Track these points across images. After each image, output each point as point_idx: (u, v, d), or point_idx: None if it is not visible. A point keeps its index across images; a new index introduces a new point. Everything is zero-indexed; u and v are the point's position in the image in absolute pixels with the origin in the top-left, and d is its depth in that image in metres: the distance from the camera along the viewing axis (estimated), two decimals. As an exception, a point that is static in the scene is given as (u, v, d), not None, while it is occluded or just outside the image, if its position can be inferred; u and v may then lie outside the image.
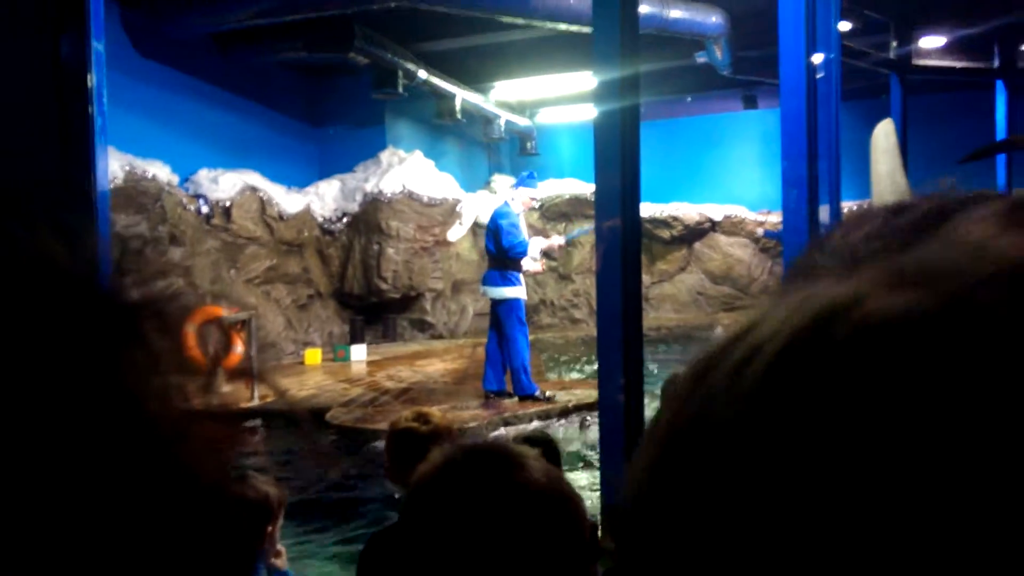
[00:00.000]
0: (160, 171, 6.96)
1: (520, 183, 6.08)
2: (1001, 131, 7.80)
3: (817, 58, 3.69)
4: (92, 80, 2.13)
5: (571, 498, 0.89)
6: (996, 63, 8.03)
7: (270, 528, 1.61)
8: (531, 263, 5.89)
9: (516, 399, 5.81)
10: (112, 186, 6.38)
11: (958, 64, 8.07)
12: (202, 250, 7.49)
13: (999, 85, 7.91)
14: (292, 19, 6.93)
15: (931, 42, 7.95)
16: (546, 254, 6.16)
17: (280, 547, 1.74)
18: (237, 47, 7.83)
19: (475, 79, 9.92)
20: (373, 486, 4.44)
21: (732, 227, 11.67)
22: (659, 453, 0.23)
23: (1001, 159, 7.68)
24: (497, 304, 5.83)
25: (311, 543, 3.87)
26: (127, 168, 6.58)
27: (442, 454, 0.87)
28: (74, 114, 2.12)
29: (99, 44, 2.14)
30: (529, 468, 0.83)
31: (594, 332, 2.84)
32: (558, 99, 11.01)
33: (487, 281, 5.92)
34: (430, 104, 9.79)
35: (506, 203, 6.01)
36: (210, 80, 8.04)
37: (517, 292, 5.78)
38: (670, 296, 11.99)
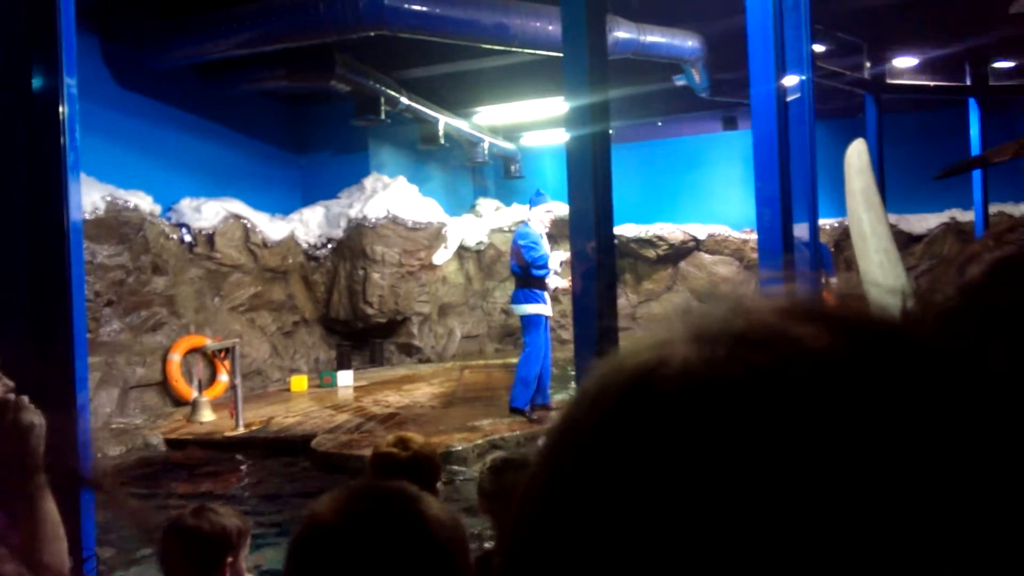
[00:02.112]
0: (142, 201, 6.95)
1: (532, 203, 6.18)
2: (975, 148, 7.93)
3: (789, 80, 3.76)
4: (64, 114, 2.14)
5: (464, 534, 0.89)
6: (968, 81, 8.19)
7: (230, 559, 1.60)
8: (557, 279, 6.01)
9: (552, 411, 5.90)
10: (94, 217, 6.36)
11: (931, 83, 8.22)
12: (185, 279, 7.46)
13: (971, 103, 8.07)
14: (273, 49, 6.99)
15: (904, 62, 8.11)
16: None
17: (250, 577, 1.72)
18: (218, 77, 7.88)
19: (458, 104, 10.01)
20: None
21: (716, 245, 11.76)
22: (521, 508, 0.28)
23: (976, 175, 7.81)
24: (522, 319, 6.14)
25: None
26: (108, 199, 6.57)
27: (336, 498, 0.86)
28: (47, 148, 2.12)
29: (71, 79, 2.15)
30: (429, 505, 0.84)
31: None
32: (541, 122, 11.12)
33: (513, 299, 6.27)
34: (413, 129, 9.85)
35: (526, 223, 6.17)
36: (191, 110, 8.07)
37: (539, 309, 5.96)
38: (657, 315, 12.03)
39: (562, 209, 11.42)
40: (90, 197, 6.33)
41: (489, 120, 11.01)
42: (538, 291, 5.93)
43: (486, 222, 11.28)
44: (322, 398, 7.40)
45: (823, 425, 0.23)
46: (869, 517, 0.22)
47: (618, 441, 0.24)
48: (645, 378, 0.25)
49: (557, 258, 5.94)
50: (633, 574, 0.23)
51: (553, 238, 11.49)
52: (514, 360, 9.76)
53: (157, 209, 7.19)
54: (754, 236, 10.86)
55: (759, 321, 0.26)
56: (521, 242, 6.01)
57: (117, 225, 6.60)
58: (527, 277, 5.97)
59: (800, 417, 0.23)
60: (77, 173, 2.15)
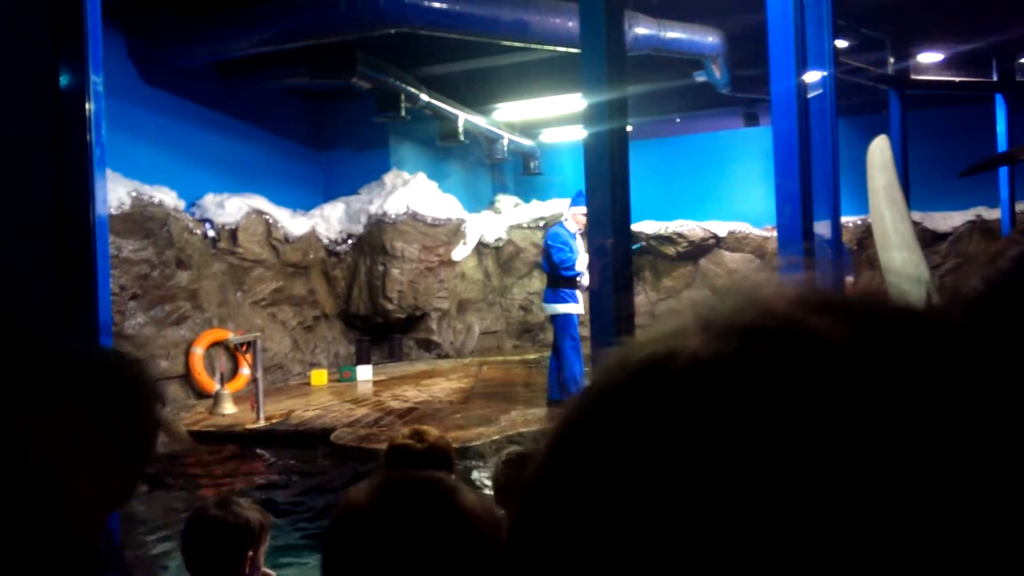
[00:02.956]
0: (167, 196, 7.05)
1: (574, 202, 6.22)
2: (1001, 145, 7.79)
3: (810, 76, 3.73)
4: (91, 111, 2.18)
5: (502, 523, 0.89)
6: (995, 77, 8.05)
7: (251, 552, 1.62)
8: (588, 278, 6.02)
9: None
10: (119, 212, 6.47)
11: (956, 79, 8.09)
12: (209, 273, 7.56)
13: (998, 99, 7.92)
14: (294, 46, 7.05)
15: (929, 57, 7.99)
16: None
17: (267, 571, 1.75)
18: (241, 74, 7.97)
19: (477, 101, 10.03)
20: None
21: (737, 243, 11.67)
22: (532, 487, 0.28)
23: (1003, 172, 7.67)
24: (551, 319, 6.22)
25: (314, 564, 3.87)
26: (134, 194, 6.68)
27: (371, 487, 0.86)
28: (73, 144, 2.17)
29: (97, 76, 2.19)
30: (465, 496, 0.84)
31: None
32: (561, 119, 11.10)
33: (544, 298, 6.38)
34: (433, 126, 9.89)
35: (561, 223, 6.20)
36: (215, 107, 8.17)
37: (569, 308, 6.01)
38: (669, 309, 11.96)
39: (560, 207, 11.42)
40: (116, 192, 6.43)
41: (508, 117, 11.01)
42: (567, 290, 5.97)
43: (505, 218, 11.29)
44: (341, 392, 7.47)
45: (834, 417, 0.22)
46: (884, 512, 0.21)
47: (625, 431, 0.24)
48: (654, 368, 0.25)
49: (584, 261, 5.95)
50: (636, 563, 0.23)
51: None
52: (532, 356, 9.79)
53: (181, 204, 7.29)
54: (775, 233, 10.75)
55: (772, 312, 0.26)
56: (550, 243, 6.10)
57: (142, 220, 6.70)
58: (556, 277, 6.02)
59: (813, 408, 0.22)
60: (103, 169, 2.19)
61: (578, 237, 6.03)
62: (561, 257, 5.95)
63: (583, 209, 6.03)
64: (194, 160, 7.92)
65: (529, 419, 5.98)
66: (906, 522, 0.21)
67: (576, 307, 5.97)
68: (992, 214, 10.01)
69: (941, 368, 0.23)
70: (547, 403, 6.40)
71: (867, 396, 0.23)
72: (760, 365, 0.24)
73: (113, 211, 6.34)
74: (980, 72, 8.04)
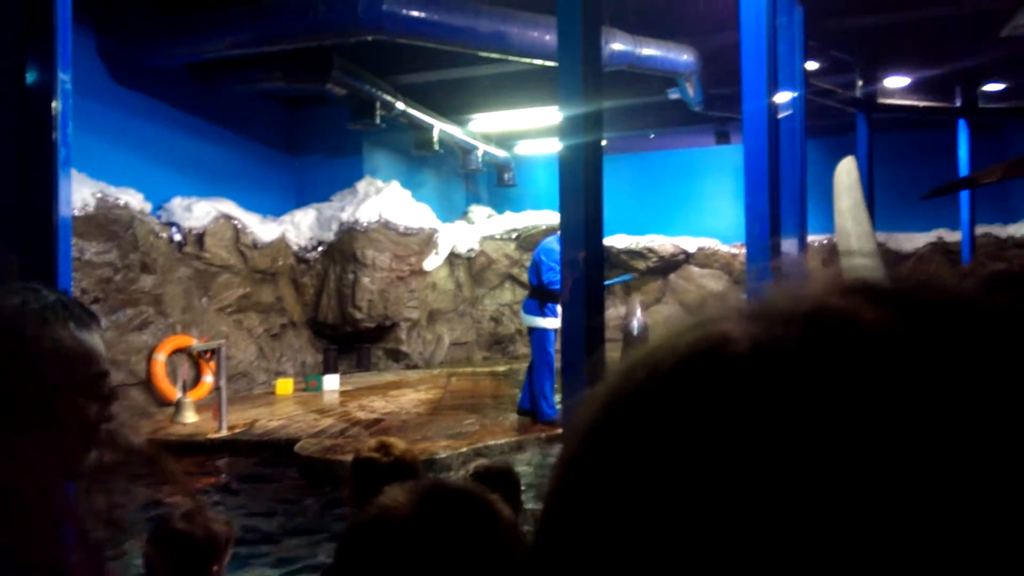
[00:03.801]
0: (133, 199, 6.92)
1: None
2: (963, 168, 8.02)
3: (781, 97, 3.79)
4: (57, 109, 2.13)
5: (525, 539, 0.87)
6: (958, 103, 8.29)
7: (215, 567, 1.58)
8: None
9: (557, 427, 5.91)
10: (83, 213, 6.32)
11: (921, 104, 8.31)
12: (174, 278, 7.42)
13: (961, 124, 8.16)
14: (270, 50, 6.99)
15: (896, 82, 8.20)
16: None
17: (230, 581, 1.70)
18: (214, 76, 7.87)
19: (453, 111, 10.04)
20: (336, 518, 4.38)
21: (706, 259, 11.81)
22: (569, 466, 0.27)
23: (964, 196, 7.89)
24: (530, 332, 6.17)
25: (275, 577, 3.79)
26: (99, 195, 6.54)
27: (408, 495, 0.82)
28: (38, 143, 2.11)
29: (65, 74, 2.15)
30: (502, 508, 0.82)
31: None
32: (536, 131, 11.16)
33: (524, 309, 6.29)
34: (408, 135, 9.87)
35: (556, 237, 6.12)
36: (186, 108, 8.05)
37: (549, 323, 5.97)
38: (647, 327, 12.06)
39: (553, 219, 11.46)
40: (80, 193, 6.30)
41: (484, 127, 11.04)
42: (551, 304, 5.93)
43: (478, 229, 11.29)
44: (307, 402, 7.37)
45: (911, 410, 0.22)
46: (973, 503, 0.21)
47: (686, 411, 0.24)
48: (711, 351, 0.25)
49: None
50: (700, 549, 0.22)
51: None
52: (502, 368, 9.77)
53: (148, 207, 7.16)
54: (743, 251, 10.92)
55: (822, 302, 0.25)
56: (543, 259, 6.02)
57: (107, 222, 6.56)
58: (542, 290, 5.98)
59: (887, 398, 0.22)
60: (68, 169, 2.14)
61: None
62: (551, 278, 5.90)
63: None
64: (163, 162, 7.79)
65: (497, 431, 5.96)
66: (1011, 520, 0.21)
67: (554, 322, 5.95)
68: (953, 236, 10.28)
69: (997, 355, 0.23)
70: (517, 411, 6.40)
71: (928, 388, 0.22)
72: (824, 352, 0.24)
73: (77, 212, 6.20)
74: (944, 98, 8.28)
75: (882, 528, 0.21)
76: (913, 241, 11.23)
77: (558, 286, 5.79)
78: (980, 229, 9.43)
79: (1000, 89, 8.69)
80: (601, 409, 0.27)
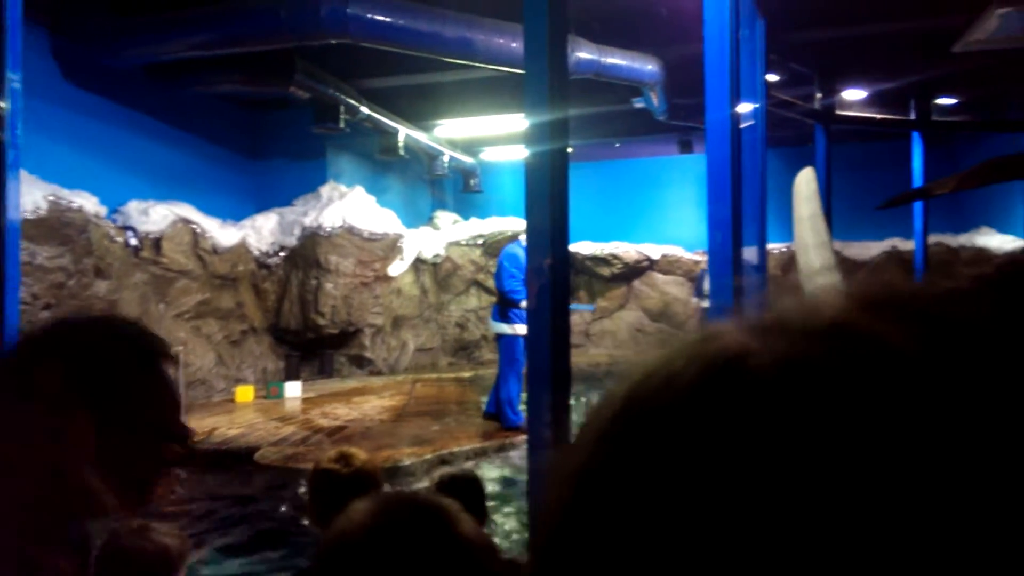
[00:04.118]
0: (87, 202, 6.73)
1: None
2: (917, 180, 8.25)
3: (743, 107, 3.85)
4: (6, 110, 2.06)
5: (496, 550, 0.86)
6: (913, 116, 8.53)
7: None
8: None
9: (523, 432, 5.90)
10: (35, 216, 6.13)
11: (878, 116, 8.53)
12: (129, 283, 7.23)
13: (915, 137, 8.39)
14: (230, 52, 6.87)
15: (853, 95, 8.41)
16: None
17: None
18: (172, 78, 7.70)
19: (418, 116, 10.00)
20: (300, 529, 4.31)
21: (669, 266, 11.95)
22: (580, 477, 0.26)
23: (918, 206, 8.11)
24: (497, 338, 6.18)
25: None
26: (51, 198, 6.34)
27: (369, 509, 0.81)
28: (-15, 143, 2.04)
29: (15, 74, 2.08)
30: (463, 522, 0.81)
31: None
32: (501, 138, 11.17)
33: (492, 315, 6.30)
34: (372, 139, 9.79)
35: (518, 242, 6.08)
36: (143, 110, 7.87)
37: (513, 329, 5.94)
38: (610, 332, 12.14)
39: (518, 225, 11.49)
40: (32, 196, 6.10)
41: (449, 133, 11.02)
42: (513, 311, 5.93)
43: (443, 235, 11.25)
44: (268, 409, 7.24)
45: (942, 433, 0.22)
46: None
47: (709, 425, 0.23)
48: (732, 364, 0.24)
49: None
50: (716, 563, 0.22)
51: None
52: (467, 374, 9.73)
53: (103, 211, 6.96)
54: (706, 258, 11.06)
55: (843, 318, 0.25)
56: (506, 264, 6.03)
57: (59, 226, 6.37)
58: (506, 297, 6.00)
59: (921, 423, 0.22)
60: (17, 171, 2.07)
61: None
62: (511, 286, 5.90)
63: None
64: (119, 165, 7.60)
65: (461, 438, 5.93)
66: None
67: (520, 328, 5.93)
68: (907, 245, 10.56)
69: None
70: (483, 415, 6.38)
71: (958, 409, 0.22)
72: (852, 371, 0.23)
73: (28, 215, 6.00)
74: (899, 111, 8.51)
75: (929, 555, 0.21)
76: (868, 250, 11.52)
77: (519, 294, 5.83)
78: (933, 238, 9.70)
79: (953, 103, 8.96)
80: (614, 420, 0.26)
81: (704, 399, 0.24)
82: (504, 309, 6.01)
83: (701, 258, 11.35)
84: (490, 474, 5.29)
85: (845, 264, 10.39)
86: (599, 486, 0.25)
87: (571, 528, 0.25)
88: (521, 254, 5.99)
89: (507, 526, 4.31)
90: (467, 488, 2.13)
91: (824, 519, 0.21)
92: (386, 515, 0.80)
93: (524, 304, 5.83)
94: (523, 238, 6.14)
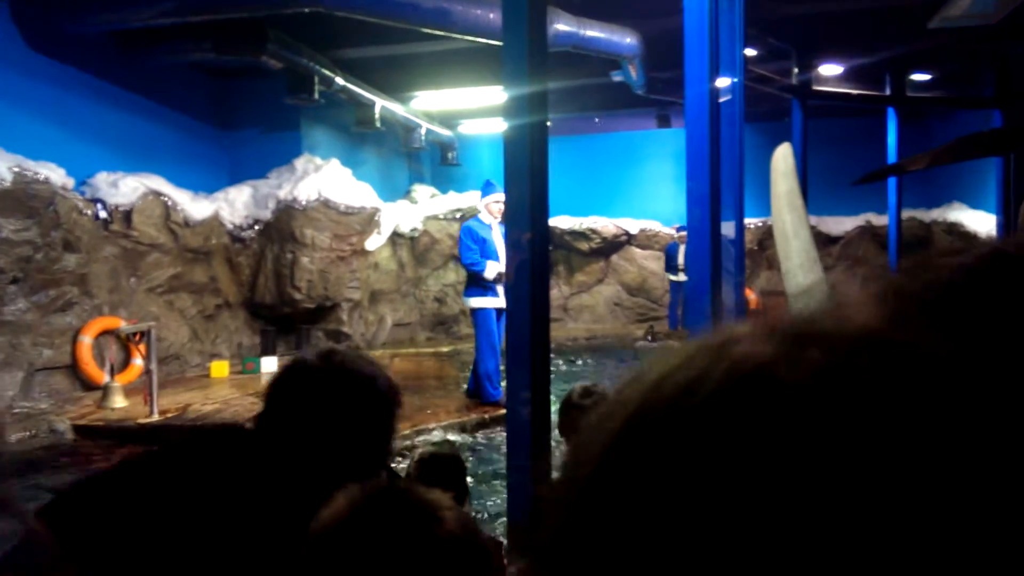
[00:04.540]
0: (53, 173, 6.55)
1: (484, 192, 6.12)
2: (892, 155, 8.33)
3: (721, 82, 3.84)
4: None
5: (487, 549, 0.85)
6: (888, 91, 8.59)
7: None
8: (495, 268, 5.79)
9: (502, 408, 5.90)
10: (-1, 188, 5.97)
11: (853, 91, 8.58)
12: (99, 257, 7.09)
13: (890, 112, 8.46)
14: (200, 20, 6.68)
15: (829, 70, 8.43)
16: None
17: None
18: (140, 46, 7.48)
19: (395, 88, 9.84)
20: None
21: (647, 240, 11.99)
22: (586, 489, 0.24)
23: (891, 181, 8.20)
24: (471, 312, 6.13)
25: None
26: (16, 169, 6.17)
27: (348, 502, 0.81)
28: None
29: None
30: (445, 520, 0.80)
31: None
32: (480, 111, 11.06)
33: (464, 291, 6.28)
34: (348, 111, 9.63)
35: (477, 217, 6.07)
36: (110, 79, 7.65)
37: (483, 302, 5.91)
38: (588, 307, 12.20)
39: (496, 198, 11.42)
40: (-5, 167, 5.93)
41: (427, 105, 10.88)
42: (487, 283, 5.88)
43: (421, 209, 11.16)
44: (244, 385, 7.18)
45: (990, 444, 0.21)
46: None
47: (739, 437, 0.22)
48: (761, 373, 0.23)
49: (494, 268, 5.81)
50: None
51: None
52: (445, 349, 9.73)
53: (70, 183, 6.79)
54: (675, 231, 11.13)
55: (877, 328, 0.24)
56: (463, 238, 6.01)
57: (25, 198, 6.20)
58: (468, 269, 5.99)
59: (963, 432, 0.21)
60: (-23, 141, 2.00)
61: (494, 228, 5.94)
62: (468, 258, 5.89)
63: (495, 197, 5.96)
64: (86, 136, 7.40)
65: (440, 413, 5.94)
66: None
67: (494, 301, 5.87)
68: (880, 220, 10.70)
69: None
70: (465, 393, 6.38)
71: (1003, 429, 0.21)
72: (892, 385, 0.22)
73: (-9, 187, 5.84)
74: (875, 86, 8.55)
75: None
76: (842, 224, 11.65)
77: (478, 266, 5.84)
78: (906, 213, 9.83)
79: (927, 79, 9.03)
80: (630, 425, 0.24)
81: (732, 407, 0.23)
82: (471, 283, 5.99)
83: (678, 232, 11.41)
84: (470, 448, 5.31)
85: (819, 238, 10.51)
86: (615, 493, 0.24)
87: (582, 533, 0.24)
88: (476, 226, 5.97)
89: (489, 503, 4.34)
90: (448, 466, 2.13)
91: (872, 539, 0.20)
92: (369, 512, 0.79)
93: (488, 275, 5.83)
94: (479, 213, 6.12)
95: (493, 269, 5.78)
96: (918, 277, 0.28)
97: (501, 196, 6.14)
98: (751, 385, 0.23)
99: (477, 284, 5.93)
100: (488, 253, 5.87)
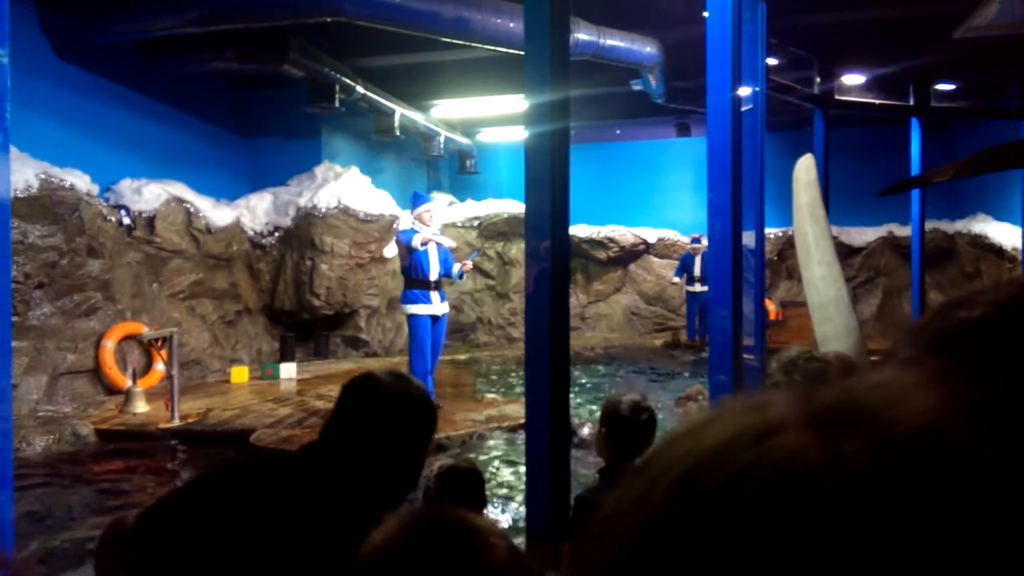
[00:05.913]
0: (79, 180, 6.65)
1: (414, 205, 6.27)
2: (915, 166, 8.22)
3: (743, 91, 3.81)
4: (-6, 85, 2.01)
5: None
6: (911, 101, 8.49)
7: None
8: (425, 233, 6.04)
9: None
10: (26, 195, 6.06)
11: (876, 101, 8.49)
12: (123, 263, 7.18)
13: (914, 122, 8.36)
14: (223, 29, 6.77)
15: (852, 79, 8.35)
16: (463, 274, 6.36)
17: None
18: (164, 55, 7.59)
19: (414, 96, 9.90)
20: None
21: (665, 250, 11.93)
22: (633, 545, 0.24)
23: (915, 193, 8.10)
24: (406, 319, 6.27)
25: None
26: (43, 176, 6.27)
27: (401, 527, 0.80)
28: (-27, 120, 2.00)
29: (2, 49, 2.03)
30: (496, 548, 0.79)
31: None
32: (499, 119, 11.09)
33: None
34: (368, 119, 9.70)
35: (412, 228, 6.18)
36: (135, 87, 7.76)
37: (412, 309, 6.05)
38: (606, 316, 12.14)
39: (513, 208, 11.44)
40: (23, 174, 6.03)
41: (446, 114, 10.93)
42: (416, 291, 6.03)
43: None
44: (263, 391, 7.22)
45: None
46: None
47: (783, 544, 0.21)
48: (807, 478, 0.22)
49: (420, 237, 5.97)
50: None
51: (505, 235, 11.52)
52: (462, 356, 9.73)
53: (95, 189, 6.89)
54: (704, 242, 11.05)
55: (933, 429, 0.22)
56: (399, 240, 6.15)
57: (51, 204, 6.30)
58: (405, 278, 6.11)
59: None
60: (6, 149, 2.03)
61: (427, 233, 6.03)
62: (404, 237, 6.01)
63: (426, 207, 6.15)
64: (110, 143, 7.51)
65: (457, 422, 5.93)
66: None
67: (428, 308, 6.01)
68: (903, 231, 10.57)
69: None
70: None
71: None
72: (953, 507, 0.20)
73: (19, 194, 5.93)
74: (898, 96, 8.46)
75: None
76: (864, 235, 11.52)
77: (405, 235, 6.01)
78: (929, 224, 9.71)
79: (951, 89, 8.92)
80: (674, 501, 0.24)
81: (778, 520, 0.22)
82: (409, 288, 6.11)
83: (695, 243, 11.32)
84: (487, 456, 5.29)
85: (841, 249, 10.39)
86: (655, 568, 0.23)
87: None
88: (408, 235, 6.06)
89: (504, 512, 4.32)
90: (467, 479, 2.12)
91: None
92: (422, 538, 0.78)
93: (415, 243, 5.93)
94: (415, 223, 6.24)
95: (419, 238, 5.94)
96: (951, 318, 0.27)
97: (432, 206, 6.29)
98: (797, 495, 0.22)
99: (413, 289, 6.04)
100: (420, 258, 6.01)
